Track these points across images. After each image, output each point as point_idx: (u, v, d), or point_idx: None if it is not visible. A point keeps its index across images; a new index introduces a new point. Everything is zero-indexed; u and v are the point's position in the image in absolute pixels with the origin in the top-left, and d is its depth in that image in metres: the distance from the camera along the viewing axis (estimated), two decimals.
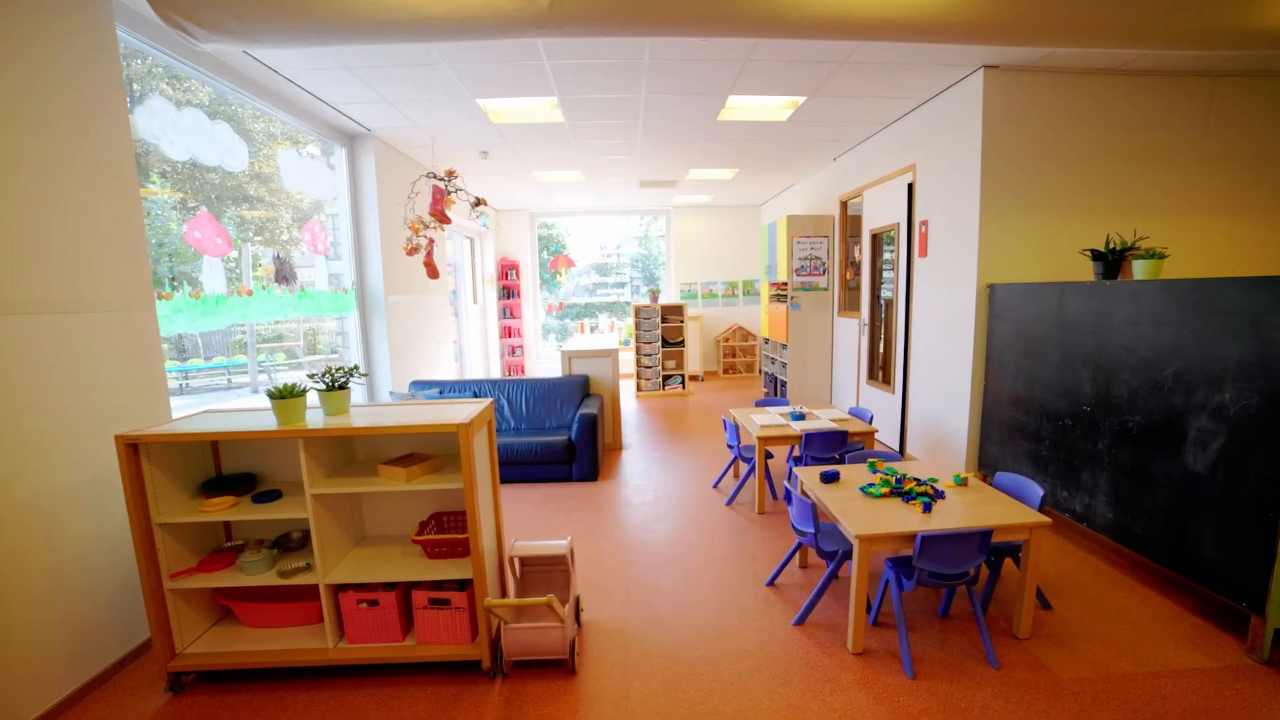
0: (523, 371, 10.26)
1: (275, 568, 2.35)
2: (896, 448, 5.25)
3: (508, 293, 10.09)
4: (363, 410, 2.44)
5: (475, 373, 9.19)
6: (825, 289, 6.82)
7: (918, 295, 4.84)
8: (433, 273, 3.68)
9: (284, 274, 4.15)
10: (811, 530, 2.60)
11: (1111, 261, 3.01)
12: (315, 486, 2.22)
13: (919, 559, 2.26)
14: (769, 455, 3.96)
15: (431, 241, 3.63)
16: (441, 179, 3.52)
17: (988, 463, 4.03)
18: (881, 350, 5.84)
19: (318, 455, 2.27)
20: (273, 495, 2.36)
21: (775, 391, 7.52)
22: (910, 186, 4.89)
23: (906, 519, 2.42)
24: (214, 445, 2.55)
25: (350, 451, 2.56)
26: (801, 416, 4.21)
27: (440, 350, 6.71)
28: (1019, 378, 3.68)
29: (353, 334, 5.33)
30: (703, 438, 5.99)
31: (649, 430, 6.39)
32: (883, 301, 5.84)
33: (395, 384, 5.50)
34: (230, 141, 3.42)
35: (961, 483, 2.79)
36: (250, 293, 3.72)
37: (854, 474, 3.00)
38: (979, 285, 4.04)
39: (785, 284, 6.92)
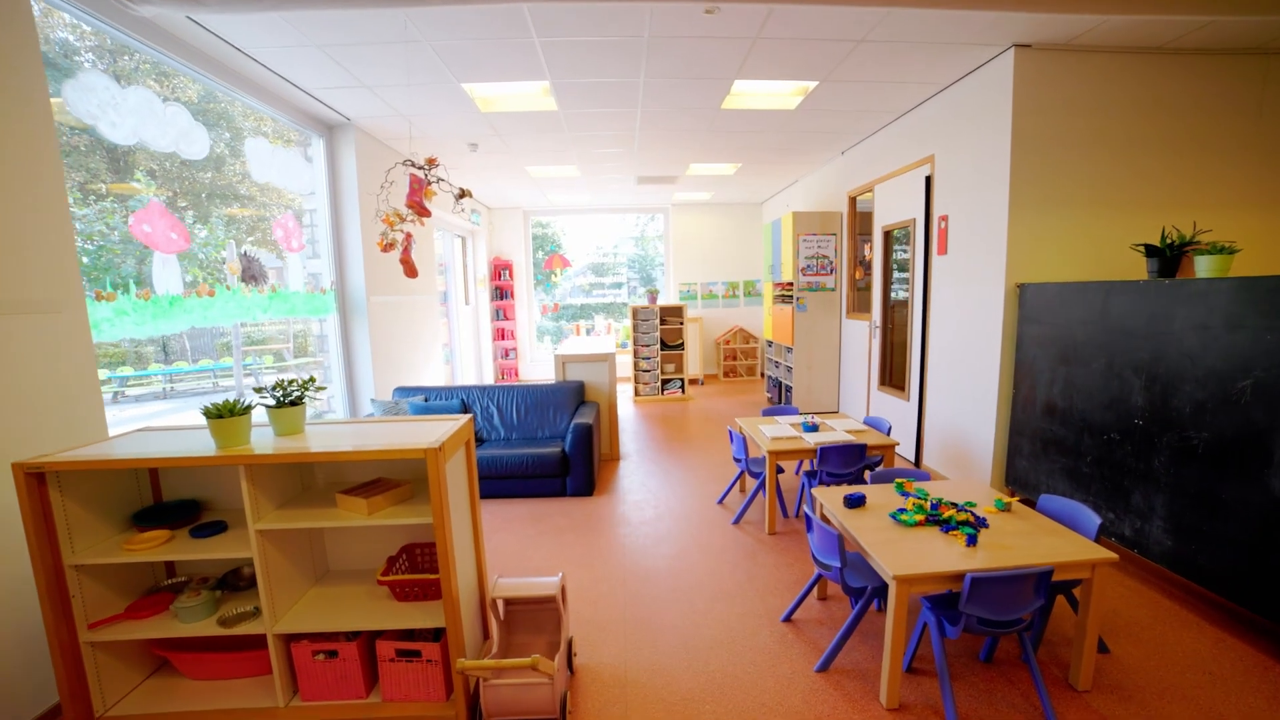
0: (516, 375, 9.93)
1: (217, 614, 2.02)
2: (912, 459, 4.94)
3: (500, 293, 9.75)
4: (320, 430, 2.10)
5: (467, 377, 8.85)
6: (832, 289, 6.50)
7: (936, 295, 4.53)
8: (410, 271, 3.35)
9: (252, 273, 3.81)
10: (837, 564, 2.28)
11: (1169, 258, 2.70)
12: (262, 520, 1.88)
13: (967, 604, 1.93)
14: (779, 470, 3.64)
15: (409, 236, 3.30)
16: (421, 167, 3.19)
17: (1018, 478, 3.72)
18: (895, 354, 5.53)
19: (266, 483, 1.93)
20: (216, 528, 2.02)
21: (780, 396, 7.20)
22: (928, 180, 4.58)
23: (948, 554, 2.10)
24: (152, 469, 2.21)
25: (308, 476, 2.23)
26: (814, 428, 3.89)
27: (429, 354, 6.37)
28: (1054, 386, 3.37)
29: (333, 337, 4.99)
30: (704, 447, 5.66)
31: (648, 439, 6.06)
32: (895, 302, 5.52)
33: (379, 390, 5.16)
34: (187, 126, 3.09)
35: (1004, 508, 2.47)
36: (212, 293, 3.39)
37: (881, 496, 2.68)
38: (1007, 285, 3.73)
39: (790, 284, 6.61)
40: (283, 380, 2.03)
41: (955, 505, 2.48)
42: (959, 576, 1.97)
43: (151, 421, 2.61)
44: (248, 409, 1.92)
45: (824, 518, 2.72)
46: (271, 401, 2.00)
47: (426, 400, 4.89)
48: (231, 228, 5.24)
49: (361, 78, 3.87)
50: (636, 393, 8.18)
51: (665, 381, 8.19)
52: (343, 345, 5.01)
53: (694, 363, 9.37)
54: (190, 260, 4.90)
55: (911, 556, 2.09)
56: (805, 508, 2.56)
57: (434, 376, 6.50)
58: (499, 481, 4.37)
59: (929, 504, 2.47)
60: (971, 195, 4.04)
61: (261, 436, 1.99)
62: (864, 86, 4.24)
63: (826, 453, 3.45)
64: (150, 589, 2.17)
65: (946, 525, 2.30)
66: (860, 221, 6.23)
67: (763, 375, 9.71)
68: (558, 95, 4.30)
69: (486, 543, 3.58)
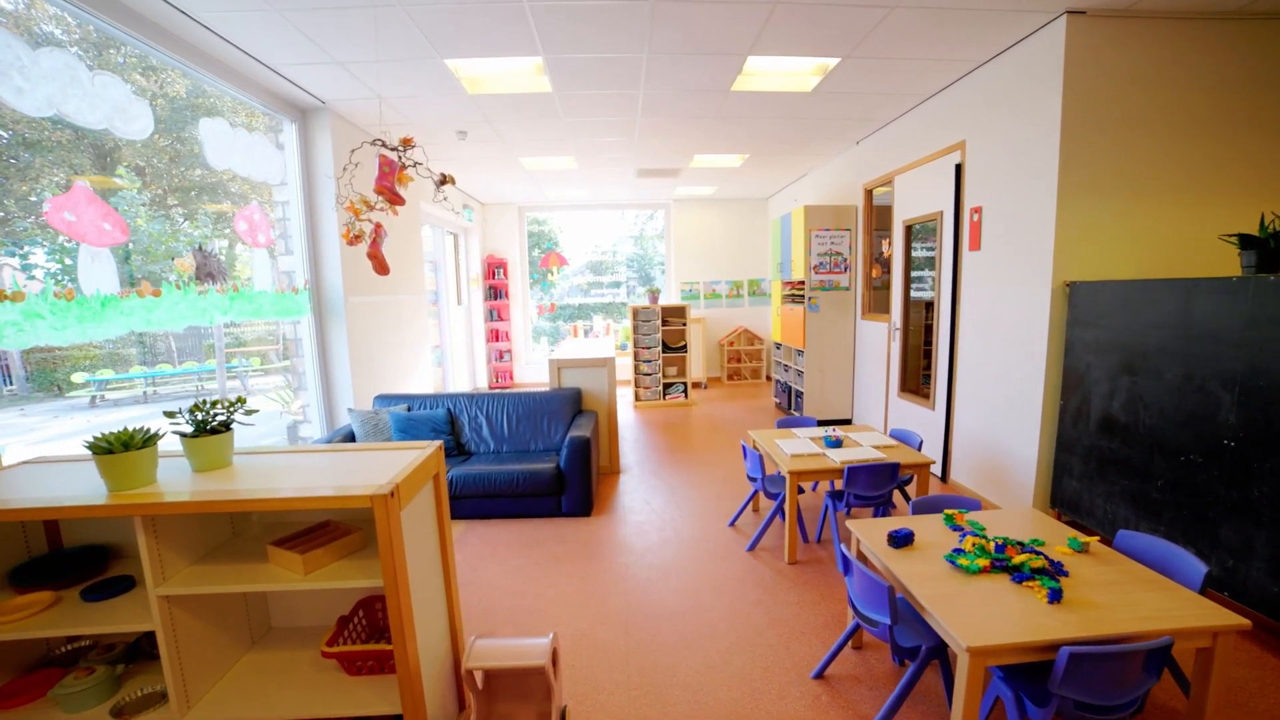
0: (511, 378, 9.51)
1: (114, 699, 1.60)
2: (939, 473, 4.54)
3: (495, 293, 9.34)
4: (252, 463, 1.69)
5: (459, 381, 8.44)
6: (847, 288, 6.10)
7: (967, 295, 4.13)
8: (380, 267, 2.94)
9: (209, 270, 3.40)
10: (887, 621, 1.88)
11: (1273, 249, 2.30)
12: (168, 582, 1.48)
13: (1062, 684, 1.54)
14: (799, 490, 3.25)
15: (379, 228, 2.89)
16: (394, 149, 2.78)
17: (1067, 500, 3.32)
18: (917, 358, 5.13)
19: (176, 535, 1.53)
20: (117, 587, 1.61)
21: (789, 402, 6.80)
22: (958, 168, 4.18)
23: (1028, 615, 1.70)
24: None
25: (240, 518, 1.82)
26: (838, 443, 3.49)
27: (416, 358, 5.96)
28: (1114, 398, 2.97)
29: (307, 341, 4.57)
30: (711, 458, 5.26)
31: (650, 449, 5.65)
32: (917, 302, 5.13)
33: (358, 398, 4.75)
34: (122, 100, 2.67)
35: (1081, 549, 2.07)
36: (157, 293, 2.97)
37: (929, 530, 2.28)
38: (1054, 283, 3.33)
39: (801, 283, 6.20)
40: (203, 401, 1.62)
41: (1022, 545, 2.08)
42: (1051, 648, 1.57)
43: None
44: (151, 439, 1.51)
45: (860, 554, 2.33)
46: (188, 428, 1.60)
47: (410, 410, 4.49)
48: (193, 219, 4.84)
49: (331, 51, 3.45)
50: (637, 397, 7.78)
51: (667, 385, 7.79)
52: (318, 350, 4.59)
53: (696, 366, 8.97)
54: (147, 256, 4.49)
55: (983, 618, 1.69)
56: (839, 547, 2.17)
57: (422, 382, 6.09)
58: (487, 501, 3.96)
59: (992, 544, 2.06)
60: (1010, 184, 3.65)
61: (176, 473, 1.59)
62: (890, 65, 3.84)
63: (855, 473, 3.05)
64: (44, 658, 1.76)
65: (1019, 574, 1.90)
66: (877, 216, 5.83)
67: (769, 378, 9.31)
68: (551, 74, 3.89)
69: (471, 575, 3.18)
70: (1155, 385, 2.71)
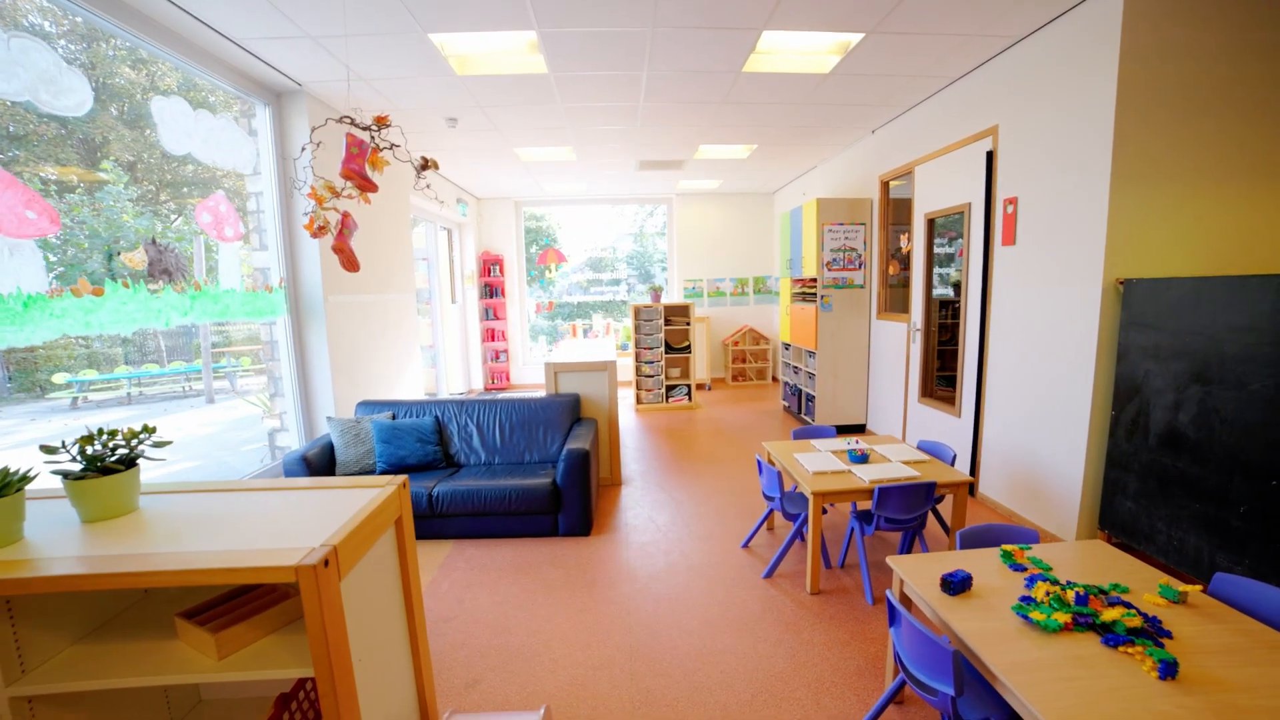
0: (508, 379, 9.17)
1: None
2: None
3: (490, 291, 8.99)
4: (163, 507, 1.35)
5: (454, 383, 8.09)
6: (861, 286, 5.76)
7: (999, 293, 3.79)
8: (348, 263, 2.59)
9: (164, 267, 3.05)
10: (950, 692, 1.54)
11: None
12: (26, 679, 1.13)
13: None
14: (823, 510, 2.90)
15: (346, 218, 2.54)
16: (367, 128, 2.43)
17: (1119, 522, 2.98)
18: (939, 361, 4.79)
19: (49, 612, 1.18)
20: None
21: (799, 406, 6.46)
22: (990, 155, 3.84)
23: (1138, 696, 1.35)
24: None
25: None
26: (864, 457, 3.15)
27: (405, 360, 5.62)
28: (1181, 410, 2.63)
29: (284, 344, 4.23)
30: (719, 468, 4.92)
31: (653, 457, 5.31)
32: (939, 301, 4.79)
33: (340, 405, 4.41)
34: (50, 70, 2.32)
35: (1179, 600, 1.73)
36: (99, 291, 2.62)
37: (984, 569, 1.94)
38: (1104, 281, 2.99)
39: (813, 280, 5.86)
40: (97, 431, 1.28)
41: (1104, 594, 1.74)
42: None
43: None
44: (20, 481, 1.17)
45: (903, 596, 1.99)
46: (73, 466, 1.25)
47: (394, 418, 4.14)
48: (146, 208, 4.48)
49: (304, 26, 3.10)
50: (639, 400, 7.43)
51: (670, 388, 7.45)
52: (296, 353, 4.25)
53: (700, 367, 8.63)
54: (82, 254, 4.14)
55: (1078, 699, 1.35)
56: (887, 594, 1.82)
57: (411, 386, 5.74)
58: (477, 520, 3.62)
59: (1070, 593, 1.72)
60: (1051, 171, 3.30)
61: (58, 525, 1.24)
62: (917, 42, 3.49)
63: (887, 494, 2.71)
64: None
65: (1111, 635, 1.56)
66: (894, 210, 5.48)
67: (775, 380, 8.97)
68: (547, 52, 3.54)
69: (458, 606, 2.84)
70: (1237, 397, 2.37)
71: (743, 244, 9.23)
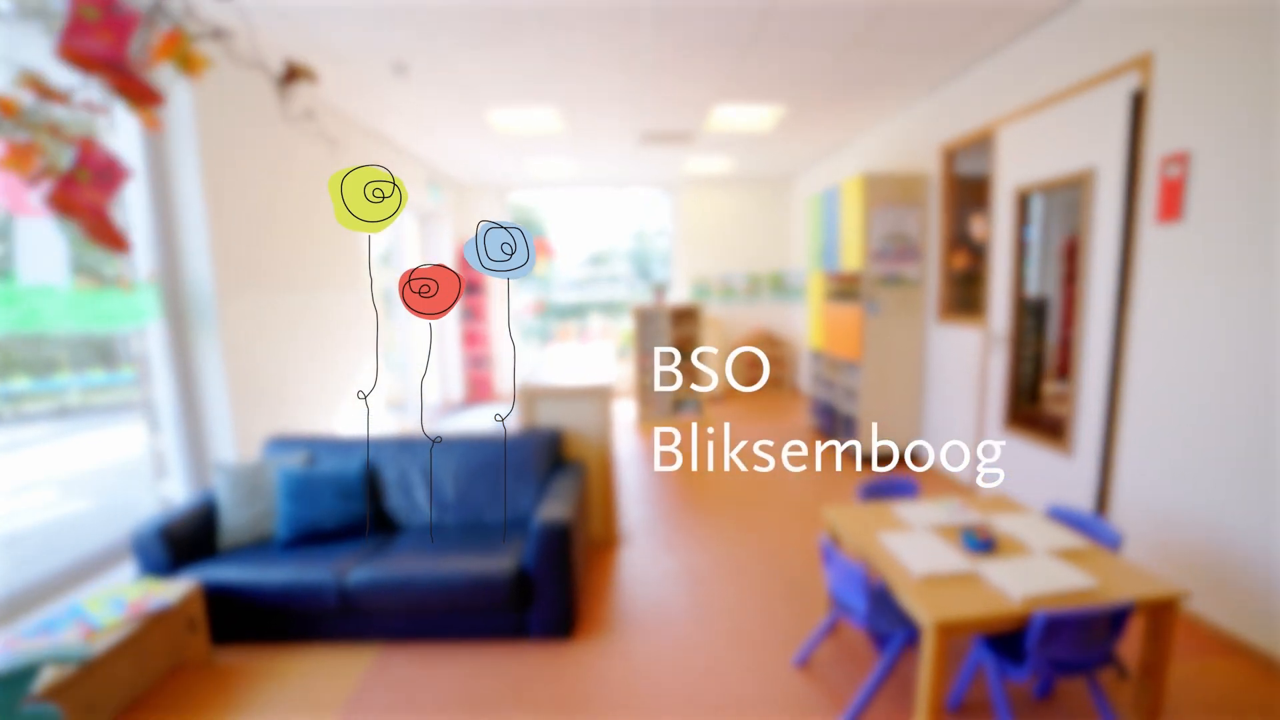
0: (490, 390, 8.06)
1: None
2: None
3: (470, 288, 7.87)
4: None
5: (429, 393, 6.97)
6: (916, 281, 4.65)
7: (1148, 290, 2.69)
8: (100, 231, 1.45)
9: None
10: None
11: None
12: None
13: None
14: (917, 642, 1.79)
15: (89, 148, 1.39)
16: None
17: None
18: (1030, 380, 3.70)
19: None
20: None
21: (831, 426, 5.36)
22: (1137, 99, 2.74)
23: None
24: None
25: None
26: (988, 544, 2.04)
27: (348, 378, 4.50)
28: None
29: (158, 359, 3.12)
30: (745, 515, 3.82)
31: (659, 498, 4.21)
32: (1032, 301, 3.70)
33: (241, 441, 3.30)
34: None
35: None
36: None
37: None
38: None
39: (854, 276, 4.75)
40: None
41: None
42: None
43: None
44: None
45: None
46: None
47: (311, 461, 3.05)
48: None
49: None
50: (640, 416, 6.33)
51: (678, 402, 6.35)
52: (176, 371, 3.14)
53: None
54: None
55: None
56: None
57: (351, 413, 4.61)
58: (415, 619, 2.52)
59: None
60: (1251, 114, 2.21)
61: None
62: None
63: (1056, 629, 1.62)
64: None
65: None
66: (961, 189, 4.38)
67: (794, 388, 7.87)
68: None
69: None
70: None
71: (757, 236, 8.12)
